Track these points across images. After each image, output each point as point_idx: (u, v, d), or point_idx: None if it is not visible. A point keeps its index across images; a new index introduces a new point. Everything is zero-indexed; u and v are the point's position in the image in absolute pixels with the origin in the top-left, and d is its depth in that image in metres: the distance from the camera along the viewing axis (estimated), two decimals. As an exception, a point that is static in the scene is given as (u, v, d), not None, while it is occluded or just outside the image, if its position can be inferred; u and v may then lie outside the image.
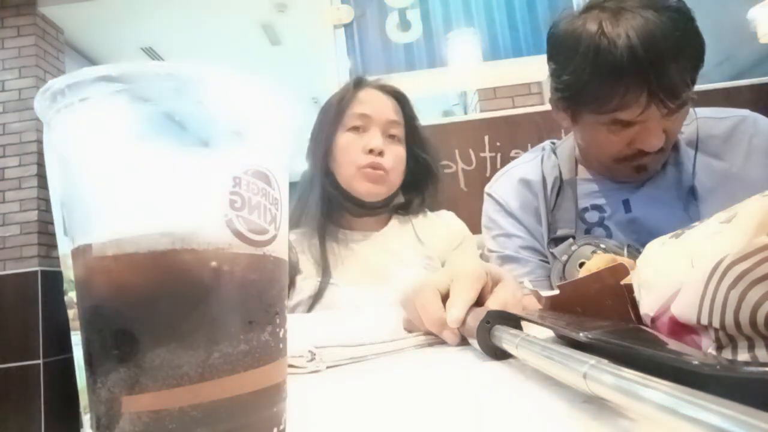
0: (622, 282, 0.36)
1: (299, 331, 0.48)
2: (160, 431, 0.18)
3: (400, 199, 0.97)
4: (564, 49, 0.76)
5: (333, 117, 0.93)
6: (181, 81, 0.20)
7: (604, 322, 0.32)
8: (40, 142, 3.01)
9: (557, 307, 0.42)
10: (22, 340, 2.79)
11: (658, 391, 0.16)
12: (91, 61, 3.77)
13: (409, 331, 0.53)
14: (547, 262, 0.88)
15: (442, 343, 0.48)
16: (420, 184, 1.00)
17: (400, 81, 1.01)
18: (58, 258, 2.91)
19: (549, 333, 0.41)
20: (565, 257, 0.78)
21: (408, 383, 0.36)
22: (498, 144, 1.60)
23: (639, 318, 0.33)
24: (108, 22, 3.36)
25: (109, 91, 0.19)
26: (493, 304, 0.48)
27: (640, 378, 0.18)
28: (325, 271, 0.88)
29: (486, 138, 1.60)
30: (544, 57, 0.85)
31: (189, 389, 0.19)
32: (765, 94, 1.55)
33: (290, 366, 0.34)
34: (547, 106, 1.58)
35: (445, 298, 0.48)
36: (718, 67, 4.44)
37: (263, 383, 0.21)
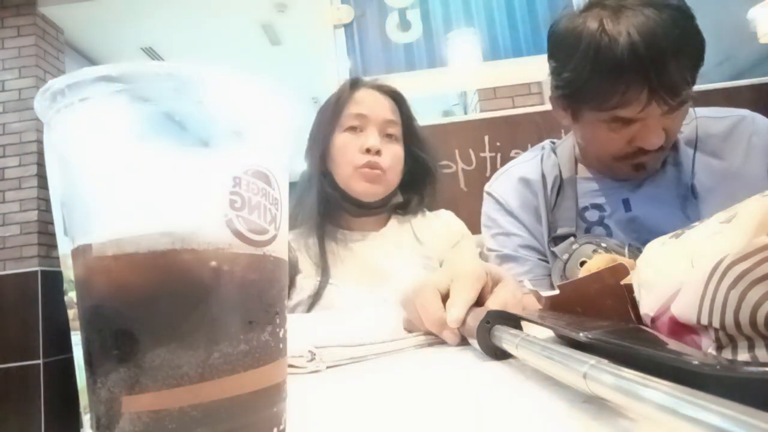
0: (622, 282, 0.36)
1: (299, 331, 0.48)
2: (160, 431, 0.18)
3: (399, 198, 0.97)
4: (565, 47, 0.76)
5: (330, 117, 0.93)
6: (181, 81, 0.20)
7: (604, 322, 0.32)
8: (40, 142, 3.01)
9: (557, 307, 0.42)
10: (22, 340, 2.79)
11: (658, 391, 0.16)
12: (91, 61, 3.77)
13: (409, 331, 0.53)
14: (547, 261, 0.88)
15: (442, 343, 0.48)
16: (418, 184, 1.00)
17: (400, 81, 1.01)
18: (58, 258, 2.91)
19: (549, 333, 0.41)
20: (566, 256, 0.78)
21: (408, 383, 0.36)
22: (498, 144, 1.60)
23: (639, 318, 0.33)
24: (108, 22, 3.36)
25: (109, 91, 0.19)
26: (493, 304, 0.48)
27: (640, 378, 0.18)
28: (324, 271, 0.88)
29: (486, 138, 1.60)
30: (544, 57, 0.85)
31: (189, 389, 0.19)
32: (765, 94, 1.55)
33: (290, 366, 0.34)
34: (547, 106, 1.58)
35: (445, 298, 0.48)
36: (718, 67, 4.44)
37: (263, 383, 0.21)
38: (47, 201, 2.99)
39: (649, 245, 0.34)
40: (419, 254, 0.93)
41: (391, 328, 0.53)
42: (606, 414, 0.22)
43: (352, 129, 0.91)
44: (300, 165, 0.99)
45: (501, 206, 0.93)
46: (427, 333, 0.50)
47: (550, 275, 0.86)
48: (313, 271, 0.90)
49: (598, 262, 0.44)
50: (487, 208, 0.96)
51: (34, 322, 2.80)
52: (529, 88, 2.77)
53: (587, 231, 0.85)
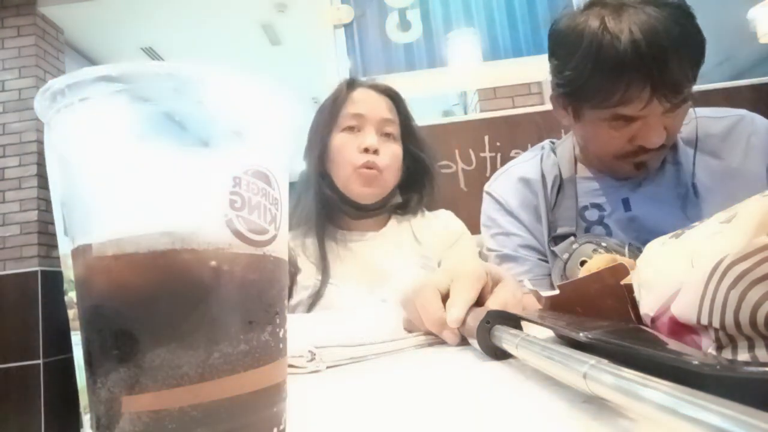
0: (622, 282, 0.36)
1: (299, 331, 0.48)
2: (160, 431, 0.18)
3: (398, 199, 0.97)
4: (566, 45, 0.76)
5: (327, 118, 0.93)
6: (181, 81, 0.20)
7: (604, 322, 0.32)
8: (40, 142, 3.01)
9: (557, 307, 0.42)
10: (22, 340, 2.79)
11: (658, 391, 0.16)
12: (91, 61, 3.77)
13: (409, 331, 0.53)
14: (546, 261, 0.88)
15: (442, 343, 0.48)
16: (417, 183, 1.00)
17: (400, 81, 1.01)
18: (58, 258, 2.91)
19: (549, 333, 0.41)
20: (566, 255, 0.78)
21: (408, 383, 0.36)
22: (498, 144, 1.60)
23: (639, 318, 0.33)
24: (108, 22, 3.36)
25: (109, 91, 0.19)
26: (493, 304, 0.48)
27: (640, 378, 0.18)
28: (324, 271, 0.88)
29: (486, 138, 1.60)
30: (544, 57, 0.85)
31: (189, 389, 0.19)
32: (765, 94, 1.55)
33: (290, 366, 0.34)
34: (547, 106, 1.58)
35: (445, 298, 0.48)
36: (718, 67, 4.45)
37: (263, 383, 0.21)
38: (47, 201, 2.99)
39: (649, 245, 0.34)
40: (418, 254, 0.93)
41: (391, 328, 0.53)
42: (606, 414, 0.22)
43: (350, 129, 0.91)
44: (300, 165, 0.99)
45: (501, 206, 0.93)
46: (427, 333, 0.50)
47: (550, 275, 0.86)
48: (312, 271, 0.89)
49: (598, 262, 0.44)
50: (487, 207, 0.96)
51: (34, 322, 2.80)
52: (529, 88, 2.77)
53: (587, 230, 0.85)
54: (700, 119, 0.87)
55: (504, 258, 0.90)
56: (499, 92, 2.83)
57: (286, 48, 3.90)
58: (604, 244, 0.76)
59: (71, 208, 0.21)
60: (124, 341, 0.19)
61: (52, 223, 2.97)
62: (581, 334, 0.27)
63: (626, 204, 0.84)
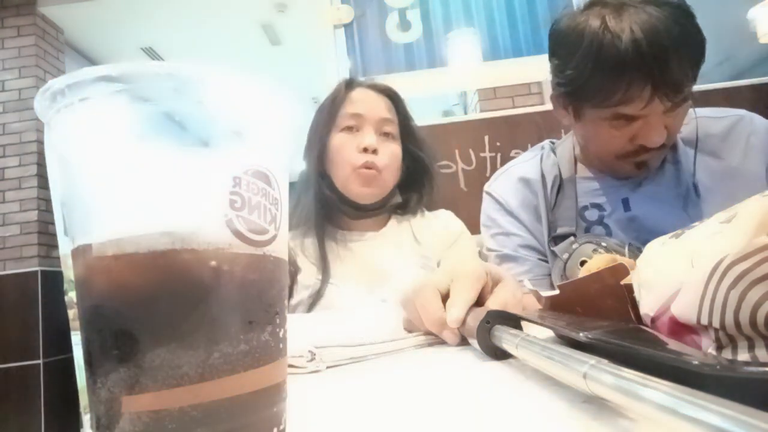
0: (622, 282, 0.36)
1: (299, 331, 0.48)
2: (160, 431, 0.18)
3: (398, 199, 0.97)
4: (567, 45, 0.77)
5: (326, 118, 0.93)
6: (181, 81, 0.20)
7: (604, 322, 0.32)
8: (40, 142, 3.01)
9: (557, 307, 0.42)
10: (22, 340, 2.79)
11: (658, 391, 0.16)
12: (91, 61, 3.77)
13: (409, 331, 0.53)
14: (546, 261, 0.88)
15: (442, 343, 0.48)
16: (417, 183, 1.00)
17: (400, 81, 1.01)
18: (58, 258, 2.91)
19: (549, 333, 0.41)
20: (566, 255, 0.78)
21: (408, 383, 0.36)
22: (498, 144, 1.60)
23: (639, 318, 0.33)
24: (108, 22, 3.36)
25: (109, 91, 0.19)
26: (493, 304, 0.48)
27: (640, 378, 0.18)
28: (324, 270, 0.88)
29: (486, 138, 1.60)
30: (544, 57, 0.85)
31: (189, 389, 0.19)
32: (765, 94, 1.55)
33: (290, 366, 0.34)
34: (547, 106, 1.58)
35: (445, 298, 0.48)
36: (718, 67, 4.45)
37: (263, 383, 0.21)
38: (47, 201, 2.99)
39: (649, 245, 0.34)
40: (418, 254, 0.93)
41: (391, 328, 0.53)
42: (606, 414, 0.22)
43: (349, 129, 0.91)
44: (300, 165, 0.99)
45: (500, 206, 0.93)
46: (427, 333, 0.50)
47: (550, 275, 0.86)
48: (312, 270, 0.90)
49: (598, 262, 0.44)
50: (487, 207, 0.96)
51: (34, 322, 2.80)
52: (529, 88, 2.77)
53: (587, 230, 0.85)
54: (700, 119, 0.87)
55: (504, 258, 0.90)
56: (499, 92, 2.83)
57: (286, 48, 3.90)
58: (604, 244, 0.76)
59: (71, 208, 0.21)
60: (124, 341, 0.19)
61: (52, 223, 2.97)
62: (581, 334, 0.27)
63: (626, 204, 0.84)
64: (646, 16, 0.69)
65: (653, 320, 0.30)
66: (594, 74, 0.73)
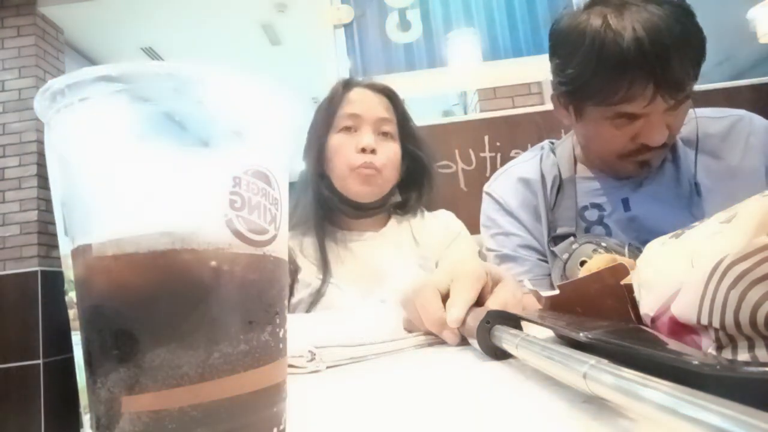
0: (622, 282, 0.36)
1: (299, 331, 0.48)
2: (160, 431, 0.18)
3: (397, 198, 0.97)
4: (568, 44, 0.77)
5: (323, 119, 0.93)
6: (181, 81, 0.20)
7: (604, 322, 0.32)
8: (40, 142, 3.02)
9: (557, 307, 0.42)
10: (22, 340, 2.79)
11: (658, 391, 0.16)
12: (91, 61, 3.77)
13: (409, 331, 0.53)
14: (546, 261, 0.88)
15: (442, 343, 0.48)
16: (416, 182, 1.00)
17: (400, 81, 1.01)
18: (58, 258, 2.91)
19: (549, 333, 0.41)
20: (566, 256, 0.78)
21: (408, 383, 0.36)
22: (498, 144, 1.60)
23: (639, 318, 0.33)
24: (108, 22, 3.36)
25: (109, 91, 0.19)
26: (493, 304, 0.48)
27: (640, 378, 0.18)
28: (325, 270, 0.88)
29: (486, 138, 1.60)
30: (544, 57, 0.85)
31: (189, 389, 0.19)
32: (765, 94, 1.55)
33: (290, 366, 0.34)
34: (547, 106, 1.57)
35: (445, 298, 0.48)
36: (718, 67, 4.45)
37: (263, 383, 0.21)
38: (47, 201, 2.99)
39: (649, 245, 0.34)
40: (416, 255, 0.93)
41: (391, 328, 0.53)
42: (606, 414, 0.22)
43: (347, 129, 0.91)
44: (300, 165, 0.99)
45: (500, 206, 0.93)
46: (427, 333, 0.50)
47: (549, 275, 0.86)
48: (312, 270, 0.90)
49: (598, 262, 0.44)
50: (487, 208, 0.96)
51: (34, 322, 2.80)
52: (529, 88, 2.77)
53: (587, 230, 0.85)
54: (699, 119, 0.87)
55: (504, 258, 0.90)
56: (499, 92, 2.83)
57: (286, 48, 3.90)
58: (603, 244, 0.76)
59: (71, 208, 0.21)
60: (124, 341, 0.19)
61: (52, 223, 2.97)
62: (581, 334, 0.27)
63: (626, 204, 0.84)
64: (647, 15, 0.70)
65: (653, 320, 0.30)
66: (596, 72, 0.73)
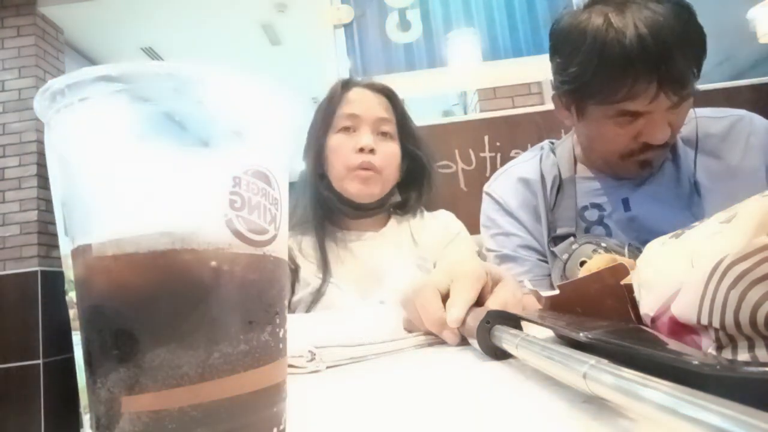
0: (622, 282, 0.36)
1: (299, 331, 0.48)
2: (160, 431, 0.18)
3: (397, 198, 0.97)
4: (570, 42, 0.77)
5: (322, 119, 0.93)
6: (181, 81, 0.20)
7: (604, 322, 0.32)
8: (40, 142, 3.02)
9: (557, 307, 0.42)
10: (22, 340, 2.79)
11: (658, 391, 0.16)
12: (91, 61, 3.77)
13: (409, 331, 0.53)
14: (546, 262, 0.88)
15: (442, 343, 0.48)
16: (415, 182, 1.00)
17: (400, 81, 1.01)
18: (58, 258, 2.91)
19: (549, 333, 0.41)
20: (566, 256, 0.78)
21: (408, 383, 0.36)
22: (498, 144, 1.60)
23: (639, 318, 0.33)
24: (108, 22, 3.36)
25: (109, 91, 0.19)
26: (493, 304, 0.48)
27: (640, 378, 0.18)
28: (325, 270, 0.88)
29: (486, 138, 1.60)
30: (544, 57, 0.85)
31: (189, 389, 0.19)
32: (765, 94, 1.55)
33: (290, 366, 0.34)
34: (547, 106, 1.57)
35: (445, 298, 0.48)
36: (718, 67, 4.45)
37: (263, 383, 0.21)
38: (47, 201, 2.99)
39: (649, 245, 0.34)
40: (415, 255, 0.93)
41: (391, 328, 0.53)
42: (606, 414, 0.22)
43: (346, 129, 0.91)
44: (300, 165, 0.99)
45: (500, 206, 0.93)
46: (427, 333, 0.50)
47: (549, 275, 0.86)
48: (312, 269, 0.90)
49: (598, 262, 0.44)
50: (486, 208, 0.96)
51: (34, 322, 2.80)
52: (529, 88, 2.77)
53: (587, 231, 0.85)
54: (699, 119, 0.87)
55: (504, 258, 0.90)
56: (499, 92, 2.83)
57: (286, 48, 3.90)
58: (603, 245, 0.76)
59: (71, 208, 0.21)
60: (124, 341, 0.19)
61: (52, 223, 2.97)
62: (581, 334, 0.27)
63: (626, 204, 0.84)
64: (649, 12, 0.70)
65: (653, 320, 0.30)
66: (598, 70, 0.73)
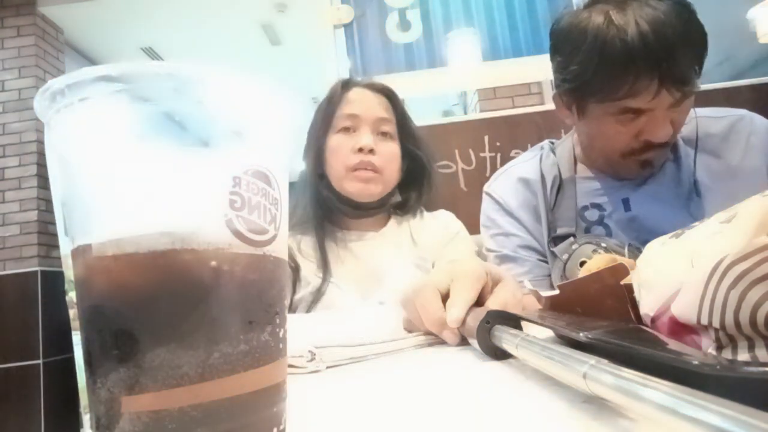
0: (622, 282, 0.36)
1: (299, 331, 0.48)
2: (160, 431, 0.18)
3: (397, 198, 0.97)
4: (570, 41, 0.77)
5: (322, 119, 0.93)
6: (181, 81, 0.20)
7: (604, 322, 0.32)
8: (40, 142, 3.02)
9: (557, 307, 0.42)
10: (22, 340, 2.79)
11: (658, 391, 0.16)
12: (91, 61, 3.77)
13: (409, 331, 0.53)
14: (546, 262, 0.88)
15: (442, 343, 0.48)
16: (415, 182, 1.00)
17: (400, 81, 1.01)
18: (58, 258, 2.91)
19: (549, 333, 0.41)
20: (566, 256, 0.78)
21: (408, 383, 0.36)
22: (498, 144, 1.60)
23: (639, 318, 0.33)
24: (108, 22, 3.36)
25: (109, 91, 0.19)
26: (493, 304, 0.48)
27: (640, 378, 0.18)
28: (325, 270, 0.88)
29: (486, 138, 1.60)
30: (544, 57, 0.85)
31: (189, 389, 0.19)
32: (765, 94, 1.55)
33: (290, 366, 0.34)
34: (547, 106, 1.57)
35: (445, 298, 0.48)
36: (718, 67, 4.45)
37: (263, 383, 0.21)
38: (47, 201, 2.99)
39: (649, 245, 0.34)
40: (414, 255, 0.93)
41: (391, 328, 0.53)
42: (606, 414, 0.22)
43: (345, 130, 0.91)
44: (300, 165, 0.99)
45: (500, 206, 0.93)
46: (427, 333, 0.50)
47: (549, 275, 0.86)
48: (312, 269, 0.90)
49: (598, 262, 0.44)
50: (486, 208, 0.96)
51: (34, 322, 2.80)
52: (529, 88, 2.77)
53: (587, 231, 0.85)
54: (700, 119, 0.87)
55: (504, 258, 0.90)
56: (499, 92, 2.83)
57: (286, 48, 3.90)
58: (603, 245, 0.76)
59: (71, 208, 0.21)
60: (124, 341, 0.19)
61: (52, 223, 2.97)
62: (581, 334, 0.27)
63: (626, 204, 0.84)
64: (650, 10, 0.70)
65: (653, 320, 0.30)
66: (600, 68, 0.73)
